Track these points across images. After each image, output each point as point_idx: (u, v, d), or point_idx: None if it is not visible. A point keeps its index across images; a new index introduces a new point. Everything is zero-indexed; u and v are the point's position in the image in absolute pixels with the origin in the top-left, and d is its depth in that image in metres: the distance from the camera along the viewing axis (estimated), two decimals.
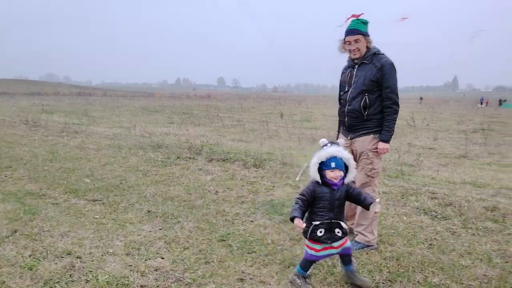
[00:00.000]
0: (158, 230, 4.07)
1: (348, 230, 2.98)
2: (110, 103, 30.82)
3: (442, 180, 6.86)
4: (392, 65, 3.58)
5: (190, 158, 7.63)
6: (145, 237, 3.88)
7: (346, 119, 3.79)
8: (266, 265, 3.32)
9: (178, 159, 7.54)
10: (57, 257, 3.38)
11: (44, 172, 6.33)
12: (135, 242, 3.75)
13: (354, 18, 3.64)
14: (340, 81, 3.94)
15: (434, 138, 14.11)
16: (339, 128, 4.08)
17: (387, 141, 3.61)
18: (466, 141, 12.82)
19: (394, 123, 3.60)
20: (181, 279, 3.10)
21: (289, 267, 3.30)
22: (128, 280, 3.04)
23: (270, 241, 3.78)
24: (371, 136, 3.66)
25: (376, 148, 3.64)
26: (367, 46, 3.65)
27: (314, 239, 2.82)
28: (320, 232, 2.78)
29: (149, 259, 3.41)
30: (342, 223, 2.81)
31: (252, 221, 4.32)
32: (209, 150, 8.48)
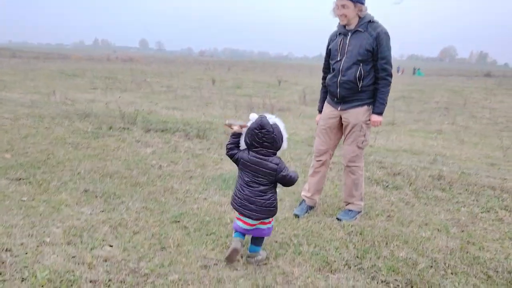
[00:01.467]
0: (100, 213, 3.63)
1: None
2: (21, 66, 27.82)
3: (381, 148, 7.05)
4: (387, 34, 3.42)
5: (124, 128, 7.02)
6: (86, 221, 3.43)
7: (338, 90, 3.56)
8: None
9: (111, 130, 6.90)
10: None
11: None
12: (75, 228, 3.29)
13: None
14: (330, 49, 3.67)
15: None
16: (322, 98, 3.86)
17: (381, 113, 3.51)
18: (392, 109, 13.45)
19: (388, 95, 3.50)
20: (137, 270, 2.75)
21: None
22: (74, 275, 2.62)
23: (228, 220, 3.53)
24: (365, 107, 3.52)
25: (369, 120, 3.54)
26: (358, 15, 3.42)
27: None
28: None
29: (95, 247, 3.00)
30: None
31: (205, 199, 4.03)
32: (143, 119, 7.90)
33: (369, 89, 3.50)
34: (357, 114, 3.53)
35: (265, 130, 2.64)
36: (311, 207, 3.86)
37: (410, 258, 2.99)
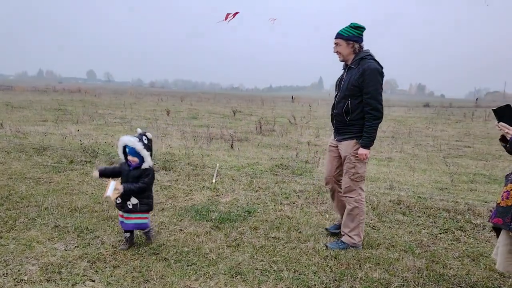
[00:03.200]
0: (75, 248, 3.57)
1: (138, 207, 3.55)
2: None
3: None
4: (374, 70, 3.50)
5: (86, 162, 6.89)
6: (63, 257, 3.37)
7: (334, 121, 3.84)
8: (212, 277, 3.15)
9: (72, 164, 6.75)
10: None
11: None
12: (52, 264, 3.23)
13: (352, 22, 3.65)
14: (335, 84, 3.96)
15: (316, 135, 15.16)
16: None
17: (366, 146, 3.61)
18: None
19: (374, 129, 3.57)
20: None
21: (235, 276, 3.18)
22: None
23: (207, 250, 3.60)
24: (354, 141, 3.67)
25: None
26: (354, 51, 3.65)
27: (116, 205, 3.60)
28: (118, 200, 3.53)
29: (77, 283, 2.97)
30: (134, 199, 3.53)
31: (181, 230, 4.07)
32: (103, 152, 7.78)
33: (358, 123, 3.62)
34: (346, 147, 3.71)
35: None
36: None
37: (383, 278, 3.20)
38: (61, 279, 3.02)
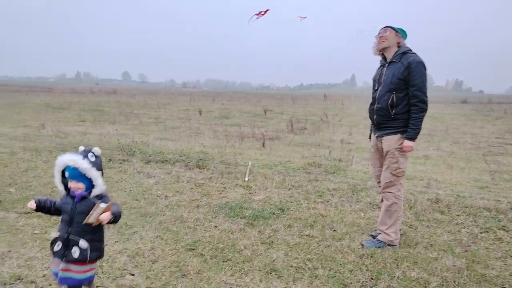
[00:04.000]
0: (115, 243, 3.69)
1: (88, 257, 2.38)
2: (3, 100, 27.64)
3: None
4: (419, 63, 3.54)
5: (123, 160, 7.10)
6: None
7: (374, 116, 3.80)
8: (247, 273, 3.18)
9: (111, 162, 6.97)
10: (6, 285, 2.88)
11: None
12: None
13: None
14: (372, 79, 3.94)
15: (349, 133, 14.96)
16: (371, 126, 4.03)
17: (412, 139, 3.59)
18: None
19: (421, 122, 3.58)
20: None
21: (270, 273, 3.20)
22: None
23: (242, 246, 3.64)
24: (398, 135, 3.65)
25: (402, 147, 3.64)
26: (398, 45, 3.68)
27: (52, 252, 2.44)
28: (58, 246, 2.40)
29: (118, 277, 3.07)
30: (84, 242, 2.37)
31: (216, 227, 4.12)
32: (139, 150, 7.99)
33: (403, 117, 3.62)
34: (390, 141, 3.68)
35: None
36: None
37: (421, 277, 3.13)
38: (102, 272, 3.12)
